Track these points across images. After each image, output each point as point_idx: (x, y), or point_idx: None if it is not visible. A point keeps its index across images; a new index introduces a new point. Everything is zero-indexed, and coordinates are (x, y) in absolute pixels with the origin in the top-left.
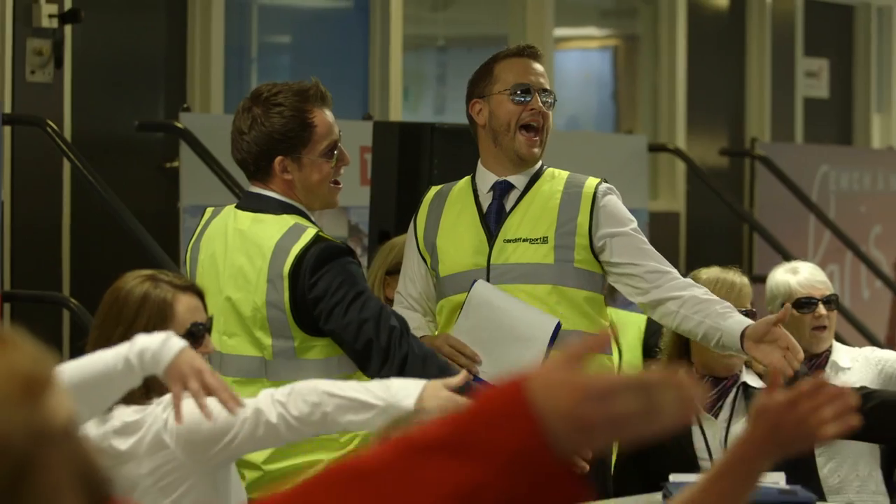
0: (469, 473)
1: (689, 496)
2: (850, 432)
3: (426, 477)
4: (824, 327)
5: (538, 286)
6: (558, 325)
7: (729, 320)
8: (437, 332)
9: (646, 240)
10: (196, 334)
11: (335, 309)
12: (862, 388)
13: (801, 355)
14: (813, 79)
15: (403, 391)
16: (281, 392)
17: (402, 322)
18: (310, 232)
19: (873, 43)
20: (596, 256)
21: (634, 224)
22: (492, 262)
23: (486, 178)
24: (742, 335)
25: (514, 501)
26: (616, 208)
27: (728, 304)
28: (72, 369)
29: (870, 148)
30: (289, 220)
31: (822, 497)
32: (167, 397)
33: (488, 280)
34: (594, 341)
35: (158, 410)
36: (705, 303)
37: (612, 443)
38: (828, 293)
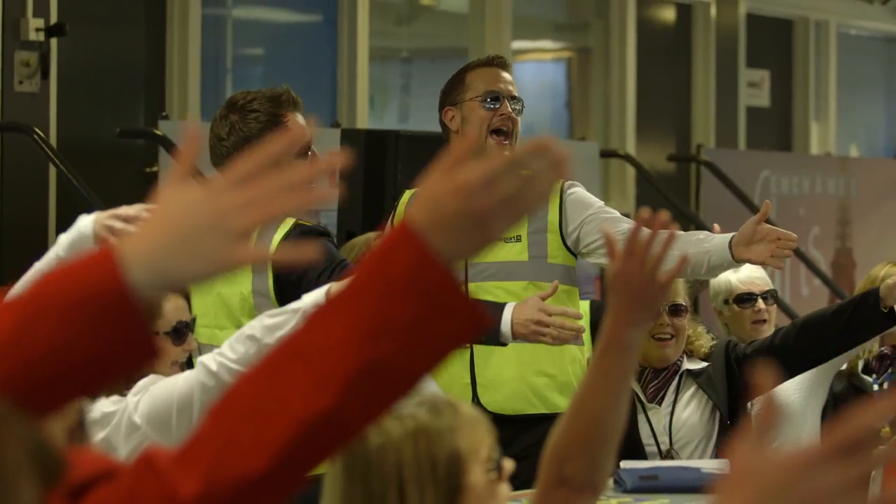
0: (369, 310)
1: (583, 385)
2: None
3: (335, 324)
4: (764, 321)
5: (515, 283)
6: None
7: (713, 240)
8: None
9: (615, 211)
10: (180, 331)
11: (319, 279)
12: (776, 331)
13: (795, 237)
14: (755, 89)
15: (314, 293)
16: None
17: None
18: (288, 221)
19: (811, 55)
20: (571, 249)
21: (601, 203)
22: (469, 260)
23: None
24: (730, 247)
25: (420, 326)
26: (581, 196)
27: (706, 231)
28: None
29: (808, 154)
30: None
31: None
32: (140, 383)
33: (466, 278)
34: (461, 148)
35: (129, 396)
36: (683, 237)
37: (508, 226)
38: (766, 289)
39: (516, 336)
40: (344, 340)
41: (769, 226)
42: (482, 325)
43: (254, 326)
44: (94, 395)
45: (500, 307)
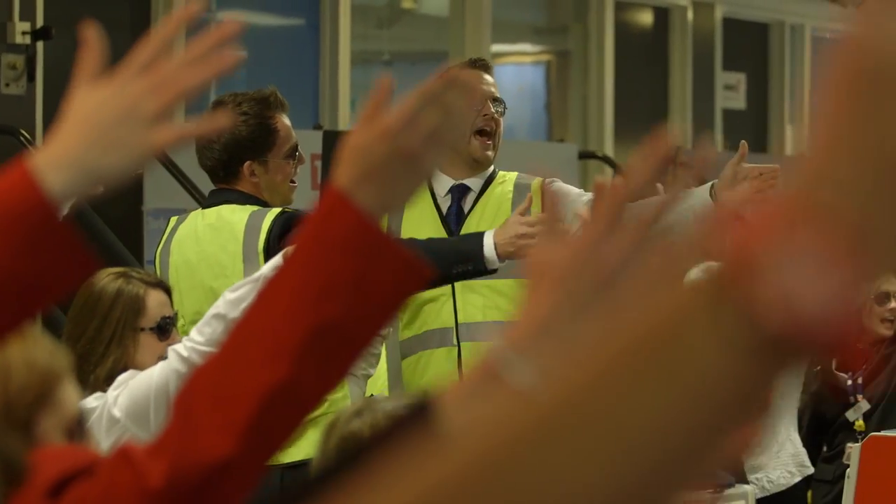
0: (310, 276)
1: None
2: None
3: (279, 295)
4: None
5: (501, 281)
6: None
7: (693, 193)
8: (399, 330)
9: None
10: (164, 327)
11: None
12: None
13: (777, 167)
14: (731, 91)
15: (274, 259)
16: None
17: None
18: (274, 210)
19: (787, 58)
20: None
21: (580, 191)
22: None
23: (443, 181)
24: (712, 195)
25: (361, 284)
26: (562, 188)
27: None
28: None
29: (784, 156)
30: (252, 207)
31: (743, 478)
32: (119, 378)
33: (450, 276)
34: (375, 97)
35: (109, 391)
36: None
37: (437, 161)
38: None
39: (503, 257)
40: (289, 309)
41: (749, 164)
42: (422, 276)
43: (218, 305)
44: (37, 313)
45: (479, 235)
